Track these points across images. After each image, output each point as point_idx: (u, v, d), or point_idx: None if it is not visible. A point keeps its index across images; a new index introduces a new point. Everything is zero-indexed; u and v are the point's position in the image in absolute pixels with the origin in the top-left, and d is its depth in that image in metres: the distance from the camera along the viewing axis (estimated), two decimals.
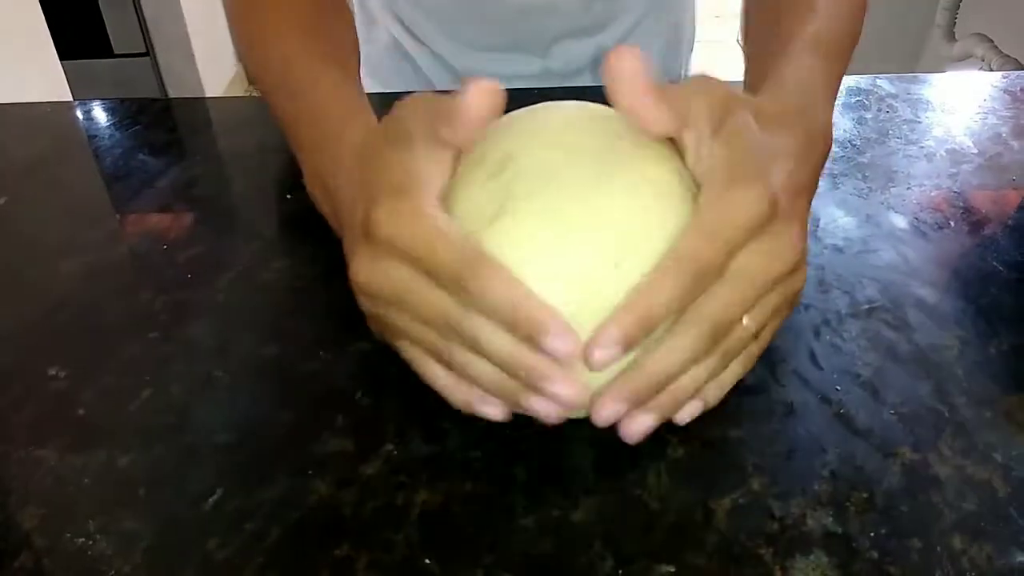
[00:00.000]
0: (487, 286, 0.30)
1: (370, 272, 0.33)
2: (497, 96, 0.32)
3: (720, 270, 0.31)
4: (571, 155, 0.35)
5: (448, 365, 0.33)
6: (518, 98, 0.36)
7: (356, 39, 0.53)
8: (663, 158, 0.35)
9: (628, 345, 0.30)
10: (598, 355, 0.30)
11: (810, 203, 0.38)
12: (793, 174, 0.35)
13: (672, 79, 0.79)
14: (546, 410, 0.31)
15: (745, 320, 0.33)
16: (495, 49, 0.73)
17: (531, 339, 0.29)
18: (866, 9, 0.50)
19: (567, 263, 0.32)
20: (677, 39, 0.79)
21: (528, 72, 0.74)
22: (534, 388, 0.31)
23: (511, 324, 0.30)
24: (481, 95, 0.32)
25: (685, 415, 0.34)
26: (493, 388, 0.32)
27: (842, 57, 0.46)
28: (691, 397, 0.33)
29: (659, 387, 0.32)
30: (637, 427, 0.32)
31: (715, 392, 0.34)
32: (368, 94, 0.45)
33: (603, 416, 0.31)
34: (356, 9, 0.80)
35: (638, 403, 0.32)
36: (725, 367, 0.34)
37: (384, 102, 0.38)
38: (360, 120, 0.41)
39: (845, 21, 0.47)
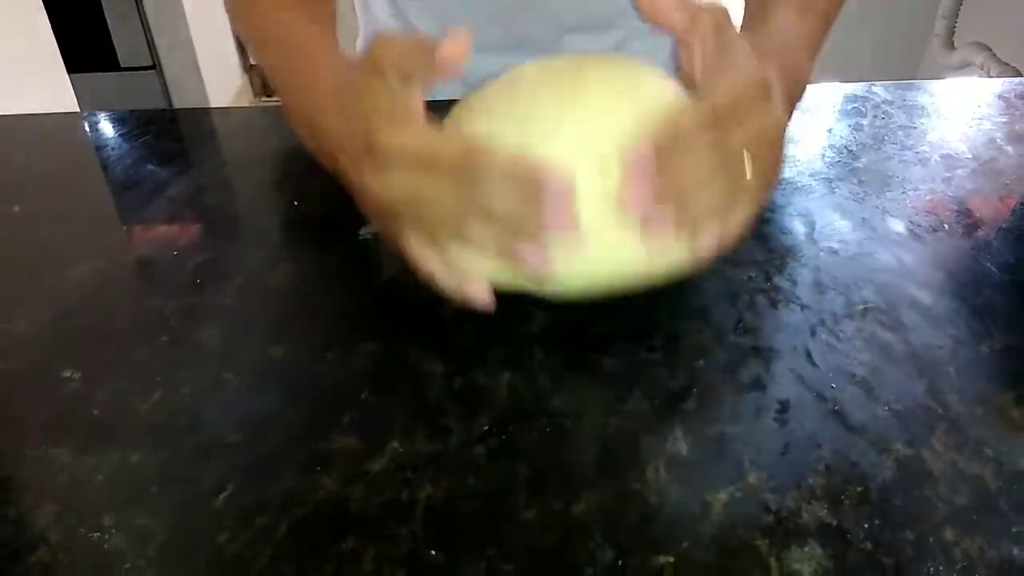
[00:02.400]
0: (488, 158, 0.35)
1: (381, 184, 0.37)
2: (466, 52, 0.38)
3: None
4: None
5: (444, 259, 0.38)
6: None
7: (334, 10, 0.58)
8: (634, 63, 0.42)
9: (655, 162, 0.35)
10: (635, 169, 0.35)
11: (789, 117, 0.45)
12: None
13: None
14: (538, 258, 0.35)
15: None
16: (500, 47, 0.68)
17: (533, 186, 0.34)
18: None
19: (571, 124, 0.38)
20: None
21: None
22: (535, 235, 0.35)
23: (516, 178, 0.34)
24: (456, 48, 0.38)
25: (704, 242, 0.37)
26: (494, 255, 0.36)
27: (826, 19, 0.52)
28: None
29: (677, 191, 0.36)
30: (659, 222, 0.36)
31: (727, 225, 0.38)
32: None
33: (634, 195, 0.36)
34: (357, 8, 0.78)
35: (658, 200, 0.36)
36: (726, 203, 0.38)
37: None
38: (332, 61, 0.47)
39: None
